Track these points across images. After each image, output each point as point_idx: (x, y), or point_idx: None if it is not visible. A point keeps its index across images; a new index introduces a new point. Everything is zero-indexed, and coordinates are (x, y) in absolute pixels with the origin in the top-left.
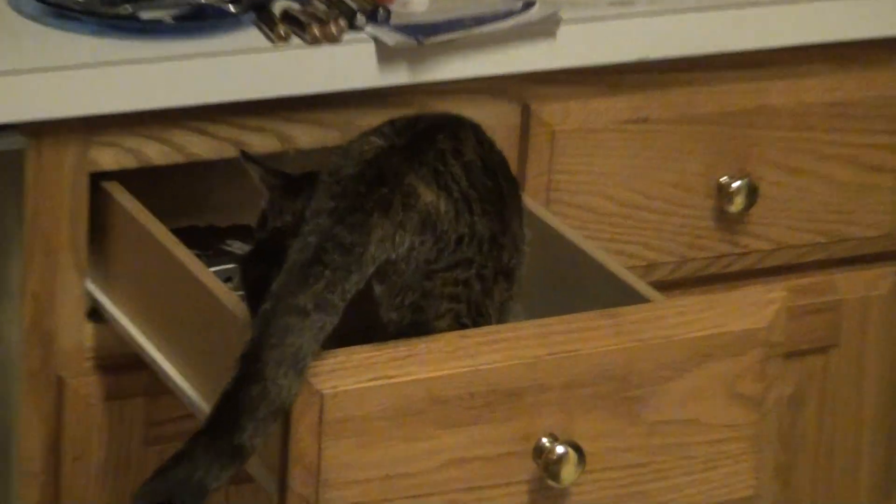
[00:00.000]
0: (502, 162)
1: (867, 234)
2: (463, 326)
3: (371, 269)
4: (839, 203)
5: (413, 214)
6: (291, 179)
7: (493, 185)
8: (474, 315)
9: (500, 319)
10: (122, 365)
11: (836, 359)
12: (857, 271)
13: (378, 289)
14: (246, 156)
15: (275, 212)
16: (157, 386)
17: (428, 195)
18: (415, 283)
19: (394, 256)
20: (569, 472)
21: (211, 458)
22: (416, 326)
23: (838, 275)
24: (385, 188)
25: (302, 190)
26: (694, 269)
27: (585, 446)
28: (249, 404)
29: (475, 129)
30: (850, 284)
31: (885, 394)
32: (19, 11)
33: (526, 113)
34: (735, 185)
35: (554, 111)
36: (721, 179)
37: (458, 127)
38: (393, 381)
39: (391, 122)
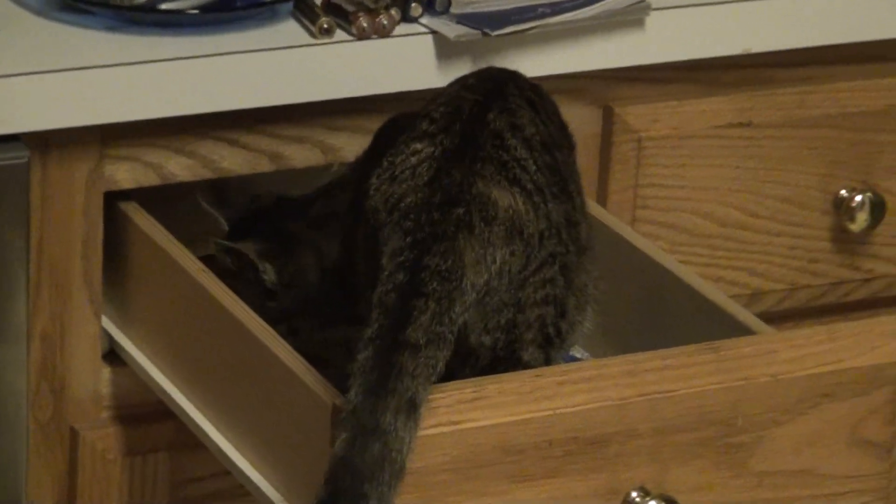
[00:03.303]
0: (554, 111)
1: None
2: (546, 338)
3: (472, 297)
4: None
5: (497, 227)
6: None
7: (551, 159)
8: (557, 318)
9: (579, 305)
10: (143, 415)
11: None
12: None
13: (467, 315)
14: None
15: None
16: (185, 438)
17: (504, 198)
18: (509, 298)
19: (487, 277)
20: None
21: None
22: (510, 347)
23: None
24: (459, 207)
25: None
26: (807, 297)
27: (682, 501)
28: (371, 467)
29: (518, 83)
30: None
31: None
32: (22, 4)
33: (608, 116)
34: (856, 199)
35: (641, 114)
36: (840, 193)
37: (503, 91)
38: (459, 427)
39: (427, 116)
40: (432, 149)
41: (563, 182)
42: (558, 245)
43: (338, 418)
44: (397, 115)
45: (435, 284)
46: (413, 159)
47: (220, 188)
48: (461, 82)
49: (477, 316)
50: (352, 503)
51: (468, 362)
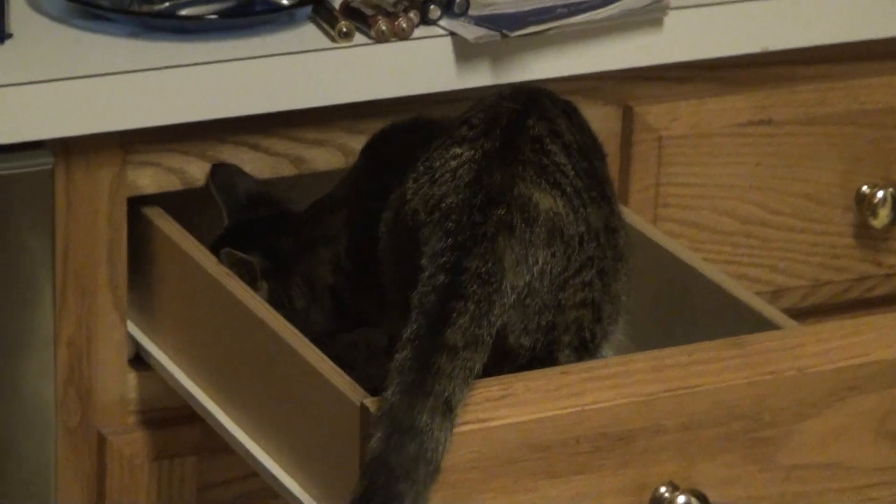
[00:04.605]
0: (587, 125)
1: None
2: (582, 341)
3: (512, 298)
4: None
5: (538, 228)
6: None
7: (588, 165)
8: (594, 322)
9: (613, 314)
10: (170, 419)
11: None
12: None
13: (507, 315)
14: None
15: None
16: (212, 442)
17: (545, 200)
18: (550, 300)
19: (528, 278)
20: None
21: None
22: (548, 349)
23: None
24: (500, 209)
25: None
26: (830, 293)
27: (710, 495)
28: (407, 466)
29: (552, 97)
30: None
31: None
32: (42, 12)
33: (628, 116)
34: (878, 195)
35: (661, 113)
36: (861, 189)
37: (539, 101)
38: (486, 425)
39: (466, 122)
40: (472, 152)
41: (601, 187)
42: (597, 248)
43: (374, 416)
44: (385, 131)
45: (475, 287)
46: (453, 163)
47: (229, 172)
48: (497, 95)
49: (517, 317)
50: (386, 501)
51: (506, 362)
